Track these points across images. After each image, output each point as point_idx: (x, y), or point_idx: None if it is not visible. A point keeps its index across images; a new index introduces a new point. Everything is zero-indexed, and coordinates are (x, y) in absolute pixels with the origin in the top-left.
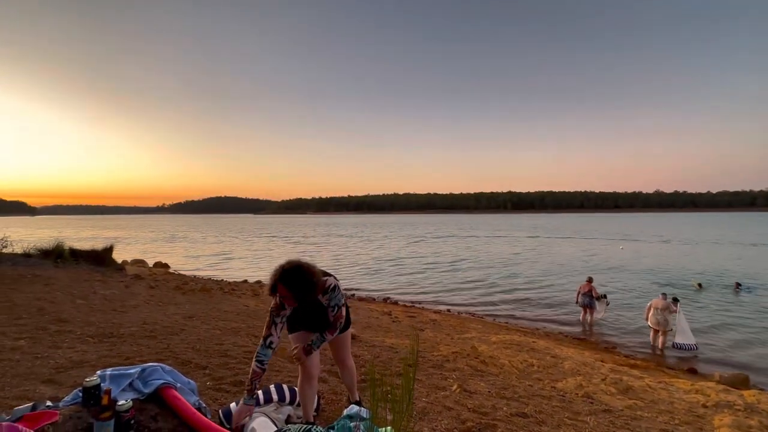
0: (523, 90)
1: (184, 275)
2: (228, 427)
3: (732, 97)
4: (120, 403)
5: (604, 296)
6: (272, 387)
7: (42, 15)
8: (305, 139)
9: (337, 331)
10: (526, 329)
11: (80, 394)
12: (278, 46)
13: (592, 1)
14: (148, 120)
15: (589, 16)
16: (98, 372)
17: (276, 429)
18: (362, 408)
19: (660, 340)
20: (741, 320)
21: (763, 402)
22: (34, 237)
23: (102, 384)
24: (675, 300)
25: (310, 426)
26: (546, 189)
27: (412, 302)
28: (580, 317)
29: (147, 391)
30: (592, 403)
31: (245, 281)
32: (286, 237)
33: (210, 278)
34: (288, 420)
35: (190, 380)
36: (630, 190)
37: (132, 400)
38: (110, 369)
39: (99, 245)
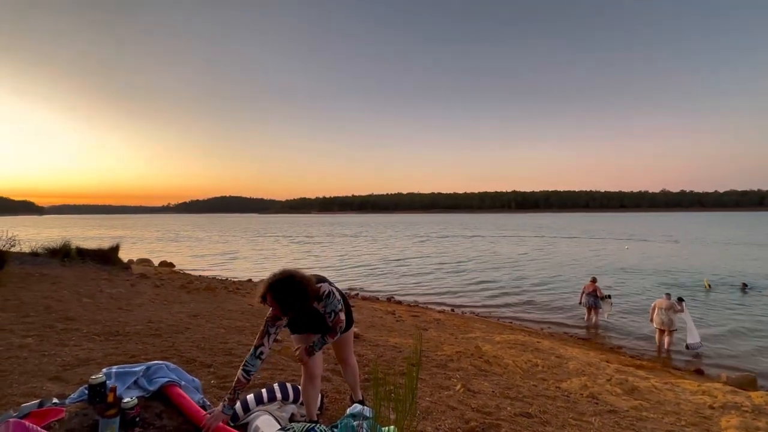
0: (527, 89)
1: (189, 274)
2: (231, 425)
3: (739, 96)
4: (125, 400)
5: (609, 296)
6: (276, 385)
7: (48, 17)
8: (309, 138)
9: (338, 334)
10: (530, 329)
11: (86, 392)
12: (280, 47)
13: (597, 1)
14: (153, 121)
15: (593, 15)
16: (104, 370)
17: (280, 427)
18: (365, 407)
19: (666, 340)
20: (748, 321)
21: None
22: (41, 236)
23: (108, 382)
24: (680, 299)
25: (314, 424)
26: (551, 188)
27: (416, 302)
28: (585, 317)
29: (152, 388)
30: (597, 403)
31: (250, 280)
32: (291, 236)
33: (215, 277)
34: (291, 418)
35: (194, 378)
36: (636, 190)
37: (137, 397)
38: (116, 367)
39: (105, 244)
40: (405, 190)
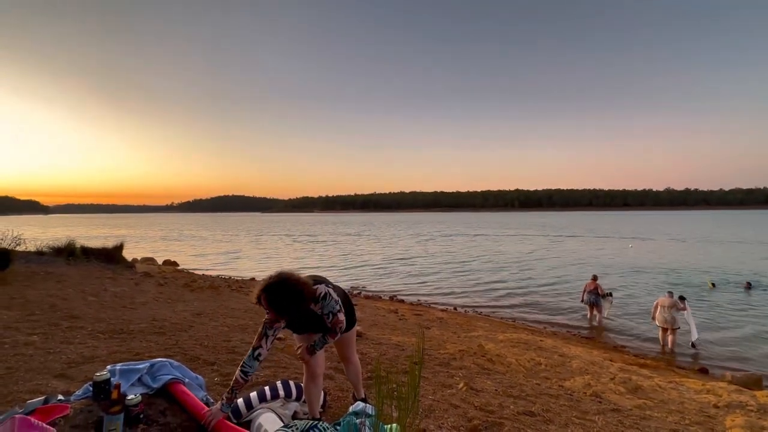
0: (530, 89)
1: (193, 273)
2: (234, 422)
3: (743, 95)
4: (129, 397)
5: (610, 294)
6: (279, 383)
7: (51, 19)
8: (311, 138)
9: (338, 335)
10: (533, 328)
11: (91, 389)
12: (282, 47)
13: (600, 1)
14: (156, 120)
15: (595, 15)
16: (108, 367)
17: (283, 425)
18: (368, 405)
19: (669, 339)
20: (753, 320)
21: None
22: (46, 235)
23: (112, 379)
24: (682, 298)
25: (316, 422)
26: (554, 187)
27: (419, 300)
28: (587, 315)
29: (156, 386)
30: (600, 402)
31: (253, 279)
32: (294, 235)
33: (218, 276)
34: (294, 416)
35: (198, 376)
36: (640, 188)
37: (141, 394)
38: (120, 364)
39: (109, 243)
40: (407, 188)
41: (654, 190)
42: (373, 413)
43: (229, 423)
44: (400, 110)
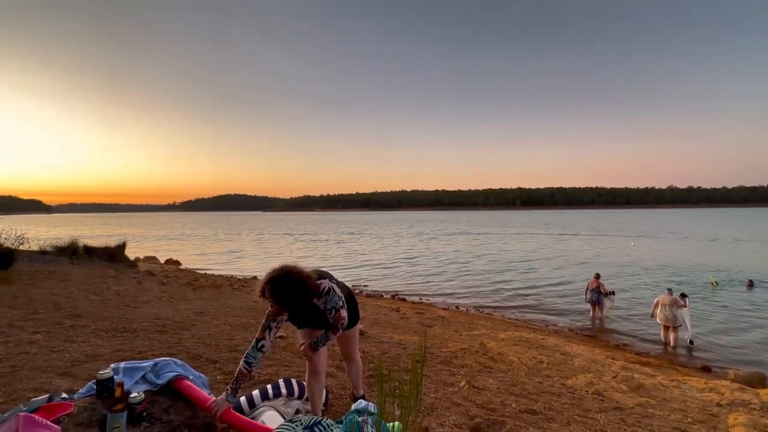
0: (532, 89)
1: (195, 272)
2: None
3: (745, 93)
4: (132, 395)
5: (612, 292)
6: (281, 381)
7: (54, 18)
8: (312, 137)
9: (340, 331)
10: (535, 326)
11: (94, 387)
12: (285, 47)
13: (603, 4)
14: (158, 120)
15: (598, 17)
16: (112, 365)
17: (287, 419)
18: (370, 403)
19: (672, 336)
20: (755, 318)
21: None
22: (49, 234)
23: (115, 377)
24: (683, 295)
25: (320, 418)
26: (556, 185)
27: (421, 299)
28: (590, 314)
29: (160, 382)
30: (602, 400)
31: (255, 278)
32: (296, 234)
33: (220, 275)
34: (297, 414)
35: (201, 374)
36: (642, 186)
37: (144, 392)
38: (124, 362)
39: (112, 242)
40: (409, 187)
41: (657, 188)
42: (376, 411)
43: (234, 413)
44: (402, 109)
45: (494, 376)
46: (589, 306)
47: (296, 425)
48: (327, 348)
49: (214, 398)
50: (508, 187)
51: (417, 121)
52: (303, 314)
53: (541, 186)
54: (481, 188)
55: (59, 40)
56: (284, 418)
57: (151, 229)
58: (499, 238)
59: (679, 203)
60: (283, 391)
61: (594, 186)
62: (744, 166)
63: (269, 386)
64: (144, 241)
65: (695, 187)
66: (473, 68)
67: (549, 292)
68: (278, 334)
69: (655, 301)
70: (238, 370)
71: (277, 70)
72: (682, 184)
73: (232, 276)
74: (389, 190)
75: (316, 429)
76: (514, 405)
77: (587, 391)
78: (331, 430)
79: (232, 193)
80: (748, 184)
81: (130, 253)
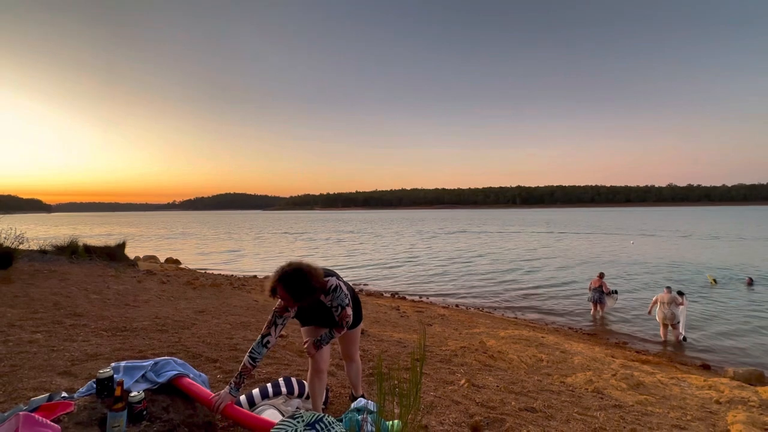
0: (533, 89)
1: (195, 271)
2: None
3: (745, 92)
4: (132, 394)
5: (615, 291)
6: (281, 380)
7: (54, 17)
8: (312, 136)
9: (344, 329)
10: (535, 324)
11: (94, 386)
12: (285, 47)
13: (603, 6)
14: (158, 119)
15: (598, 19)
16: (112, 364)
17: (288, 414)
18: (370, 401)
19: (672, 334)
20: (754, 316)
21: None
22: (49, 234)
23: (115, 376)
24: (680, 293)
25: (322, 415)
26: (556, 183)
27: (421, 297)
28: (591, 312)
29: (160, 381)
30: (602, 398)
31: (255, 276)
32: (297, 233)
33: (220, 274)
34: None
35: (201, 373)
36: (642, 184)
37: (144, 390)
38: (124, 362)
39: (112, 241)
40: (409, 185)
41: (656, 186)
42: (375, 409)
43: (236, 407)
44: (402, 109)
45: (494, 374)
46: (590, 304)
47: (298, 421)
48: (329, 346)
49: (216, 393)
50: (508, 186)
51: (417, 120)
52: (309, 311)
53: (541, 184)
54: (481, 186)
55: (59, 38)
56: (284, 416)
57: (151, 228)
58: (501, 237)
59: (679, 201)
60: (283, 389)
61: (594, 184)
62: (744, 165)
63: (269, 385)
64: (144, 241)
65: (695, 185)
66: (473, 68)
67: (549, 291)
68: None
69: (654, 299)
70: (242, 364)
71: (277, 69)
72: (681, 182)
73: (232, 275)
74: (389, 189)
75: (317, 426)
76: (513, 403)
77: (587, 389)
78: (333, 427)
79: (232, 192)
80: (748, 182)
81: (130, 252)
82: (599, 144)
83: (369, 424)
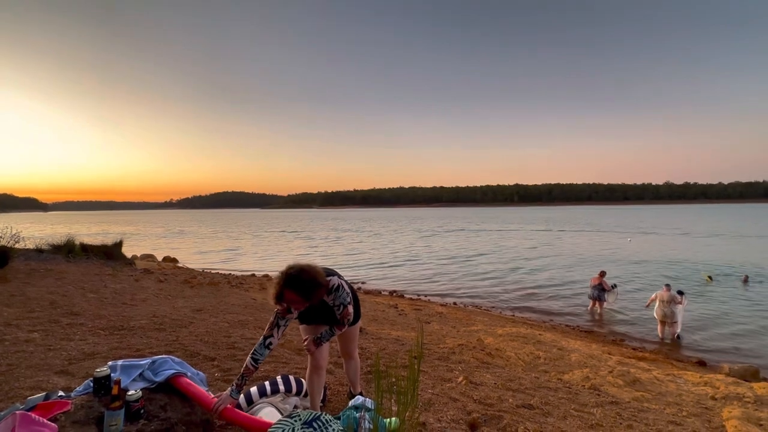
0: (531, 88)
1: (193, 269)
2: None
3: (741, 91)
4: (130, 393)
5: (615, 285)
6: (279, 378)
7: (50, 14)
8: (310, 135)
9: (345, 327)
10: (532, 322)
11: (91, 385)
12: (283, 44)
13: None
14: (156, 117)
15: (594, 19)
16: (109, 363)
17: (286, 414)
18: (368, 399)
19: (669, 331)
20: (750, 313)
21: None
22: (45, 232)
23: (113, 374)
24: (680, 292)
25: (319, 413)
26: (553, 181)
27: (419, 295)
28: (589, 308)
29: (158, 380)
30: (598, 395)
31: (253, 275)
32: (295, 231)
33: (218, 272)
34: (295, 410)
35: (199, 371)
36: (639, 182)
37: (142, 389)
38: (121, 360)
39: (109, 240)
40: (407, 184)
41: (653, 184)
42: (373, 407)
43: (236, 410)
44: (400, 107)
45: (491, 371)
46: (589, 301)
47: (295, 420)
48: (328, 343)
49: (212, 395)
50: (506, 184)
51: (415, 119)
52: (311, 310)
53: (539, 182)
54: (479, 185)
55: (55, 36)
56: (282, 414)
57: (148, 226)
58: (500, 235)
59: (676, 199)
60: (281, 387)
61: (591, 182)
62: (740, 162)
63: (267, 383)
64: (141, 239)
65: (691, 183)
66: (472, 67)
67: (547, 289)
68: None
69: (653, 295)
70: (244, 366)
71: (275, 68)
72: (678, 180)
73: (230, 273)
74: (387, 187)
75: (314, 424)
76: (511, 400)
77: (584, 385)
78: (330, 425)
79: (230, 191)
80: (744, 180)
81: (127, 251)
82: (596, 142)
83: (367, 422)
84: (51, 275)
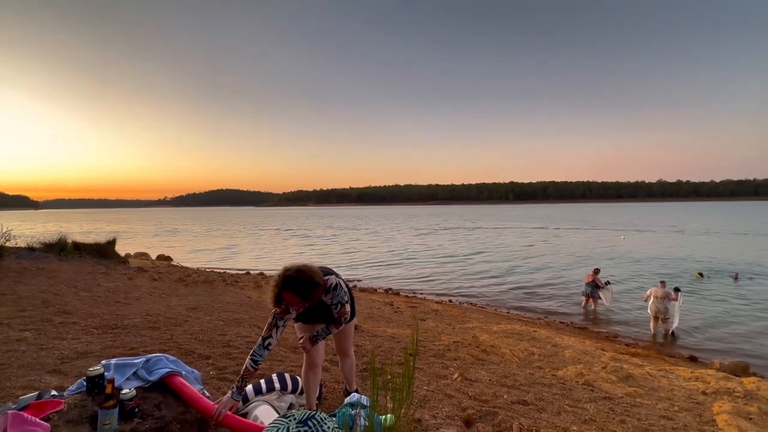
0: (525, 87)
1: (187, 267)
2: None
3: (731, 90)
4: (124, 391)
5: (608, 283)
6: (274, 376)
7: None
8: (305, 132)
9: (342, 325)
10: (527, 319)
11: (85, 383)
12: (278, 42)
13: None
14: (149, 114)
15: (588, 18)
16: (103, 361)
17: (279, 415)
18: (363, 396)
19: (662, 327)
20: (740, 309)
21: (762, 389)
22: (36, 230)
23: (106, 373)
24: (676, 289)
25: (314, 412)
26: (548, 179)
27: (414, 293)
28: (582, 304)
29: (152, 379)
30: (592, 390)
31: (248, 273)
32: (291, 229)
33: (213, 270)
34: (290, 408)
35: (193, 370)
36: (632, 180)
37: (136, 388)
38: (115, 359)
39: (102, 238)
40: (402, 181)
41: (646, 181)
42: (369, 404)
43: (233, 414)
44: (396, 105)
45: (486, 368)
46: (582, 298)
47: (290, 420)
48: (324, 341)
49: (207, 395)
50: (502, 182)
51: (411, 117)
52: (309, 310)
53: (534, 180)
54: (474, 182)
55: (45, 32)
56: (278, 412)
57: (142, 224)
58: (496, 233)
59: (669, 197)
60: (277, 385)
61: (585, 180)
62: (731, 161)
63: (262, 381)
64: (135, 237)
65: (684, 180)
66: (467, 66)
67: (541, 286)
68: None
69: (648, 292)
70: (244, 367)
71: (270, 64)
72: (671, 178)
73: (225, 271)
74: (383, 185)
75: (309, 423)
76: (505, 396)
77: (577, 381)
78: (325, 423)
79: (225, 188)
80: (735, 178)
81: (121, 249)
82: (590, 141)
83: (362, 419)
84: (43, 274)
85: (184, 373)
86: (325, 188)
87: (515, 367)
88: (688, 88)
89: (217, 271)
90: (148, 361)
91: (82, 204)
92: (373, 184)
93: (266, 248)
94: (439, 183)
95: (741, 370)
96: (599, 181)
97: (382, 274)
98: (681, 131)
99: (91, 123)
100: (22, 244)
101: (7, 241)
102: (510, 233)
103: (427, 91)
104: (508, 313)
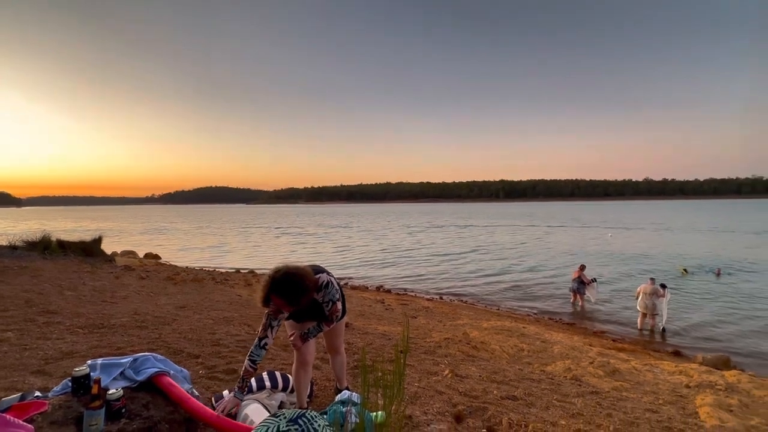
0: (516, 87)
1: (176, 266)
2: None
3: (716, 90)
4: (110, 392)
5: (594, 280)
6: (265, 374)
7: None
8: (296, 129)
9: (333, 323)
10: (516, 315)
11: (70, 384)
12: (270, 40)
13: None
14: (137, 111)
15: (581, 19)
16: (89, 361)
17: (269, 414)
18: (354, 393)
19: (650, 323)
20: (722, 304)
21: (743, 382)
22: (19, 228)
23: (92, 373)
24: (663, 285)
25: (304, 410)
26: (537, 177)
27: (405, 290)
28: (571, 300)
29: (140, 379)
30: (580, 385)
31: (238, 271)
32: (282, 227)
33: (202, 268)
34: (281, 406)
35: (182, 369)
36: (620, 179)
37: (123, 388)
38: (101, 359)
39: (87, 236)
40: (393, 179)
41: (633, 180)
42: (360, 401)
43: (227, 419)
44: (387, 103)
45: (477, 364)
46: (570, 294)
47: (280, 418)
48: (315, 339)
49: (194, 398)
50: (492, 180)
51: (402, 115)
52: (304, 310)
53: (524, 178)
54: (465, 180)
55: (32, 27)
56: (268, 410)
57: (129, 222)
58: (487, 230)
59: (655, 195)
60: (267, 383)
61: (574, 178)
62: (714, 160)
63: (253, 379)
64: (121, 235)
65: (669, 179)
66: (458, 65)
67: (531, 282)
68: None
69: (637, 289)
70: (243, 369)
71: (261, 62)
72: (657, 177)
73: (214, 269)
74: (374, 183)
75: (300, 421)
76: (495, 392)
77: (566, 376)
78: (315, 421)
79: (214, 186)
80: (718, 177)
81: (107, 247)
82: (579, 139)
83: (353, 416)
84: (26, 273)
85: (172, 372)
86: (316, 186)
87: (505, 363)
88: (687, 88)
89: (207, 269)
90: (135, 360)
91: (67, 201)
92: (364, 182)
93: (256, 246)
94: (430, 181)
95: (723, 364)
96: (587, 179)
97: (374, 273)
98: (667, 131)
99: (75, 118)
100: (3, 242)
101: None
102: (500, 231)
103: (427, 91)
104: (498, 309)
